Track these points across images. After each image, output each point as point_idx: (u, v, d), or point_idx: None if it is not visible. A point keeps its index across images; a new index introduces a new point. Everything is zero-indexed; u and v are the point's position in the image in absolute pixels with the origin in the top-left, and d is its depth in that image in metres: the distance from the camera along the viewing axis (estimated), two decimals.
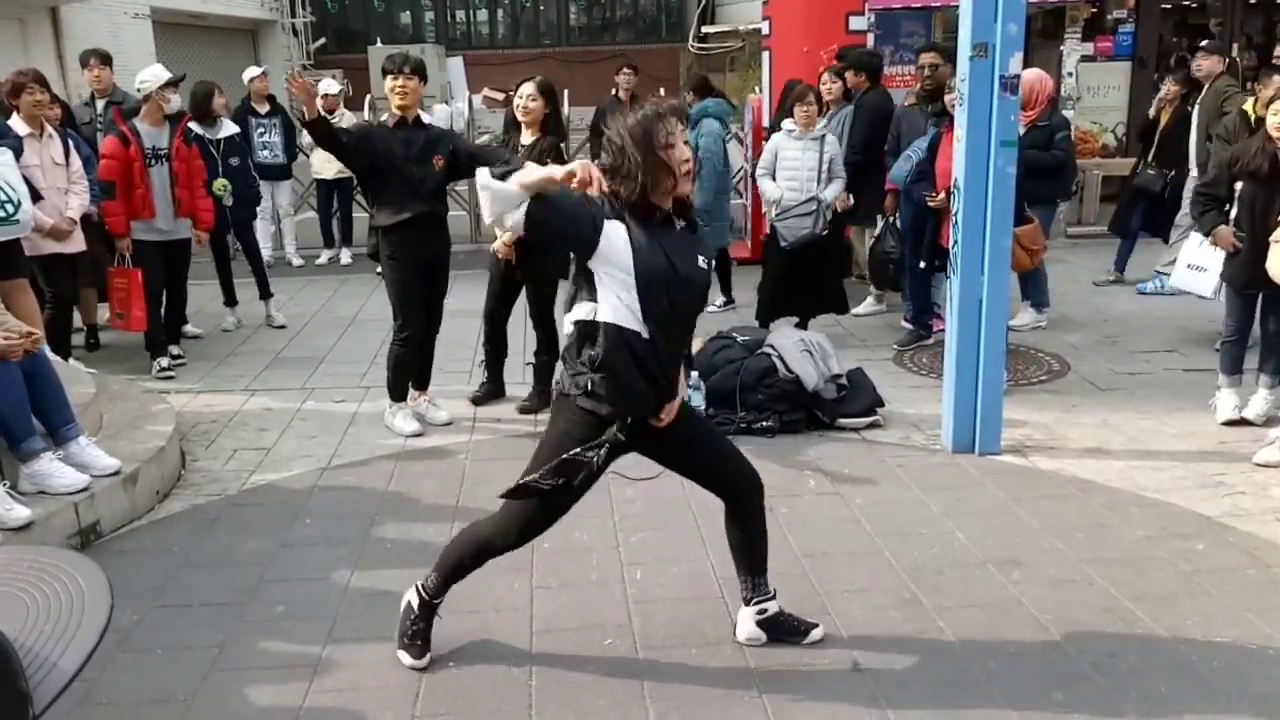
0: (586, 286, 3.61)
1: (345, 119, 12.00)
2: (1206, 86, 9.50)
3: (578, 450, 3.66)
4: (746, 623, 4.13)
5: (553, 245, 3.64)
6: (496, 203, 3.42)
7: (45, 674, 1.10)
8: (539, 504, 3.80)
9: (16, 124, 7.30)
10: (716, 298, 9.37)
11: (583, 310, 3.62)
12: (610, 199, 3.55)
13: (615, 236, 3.51)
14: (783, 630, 4.12)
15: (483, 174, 3.43)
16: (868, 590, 4.53)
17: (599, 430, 3.67)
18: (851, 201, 8.26)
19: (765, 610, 4.11)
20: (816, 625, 4.15)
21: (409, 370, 6.73)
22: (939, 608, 4.35)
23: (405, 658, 4.04)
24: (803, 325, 7.90)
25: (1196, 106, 9.52)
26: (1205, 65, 9.63)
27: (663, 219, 3.63)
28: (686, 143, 3.62)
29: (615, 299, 3.54)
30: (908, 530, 5.10)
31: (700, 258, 3.71)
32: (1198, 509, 5.30)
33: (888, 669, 3.93)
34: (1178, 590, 4.49)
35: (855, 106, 9.02)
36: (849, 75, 9.08)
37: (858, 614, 4.32)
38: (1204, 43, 10.53)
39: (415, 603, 4.07)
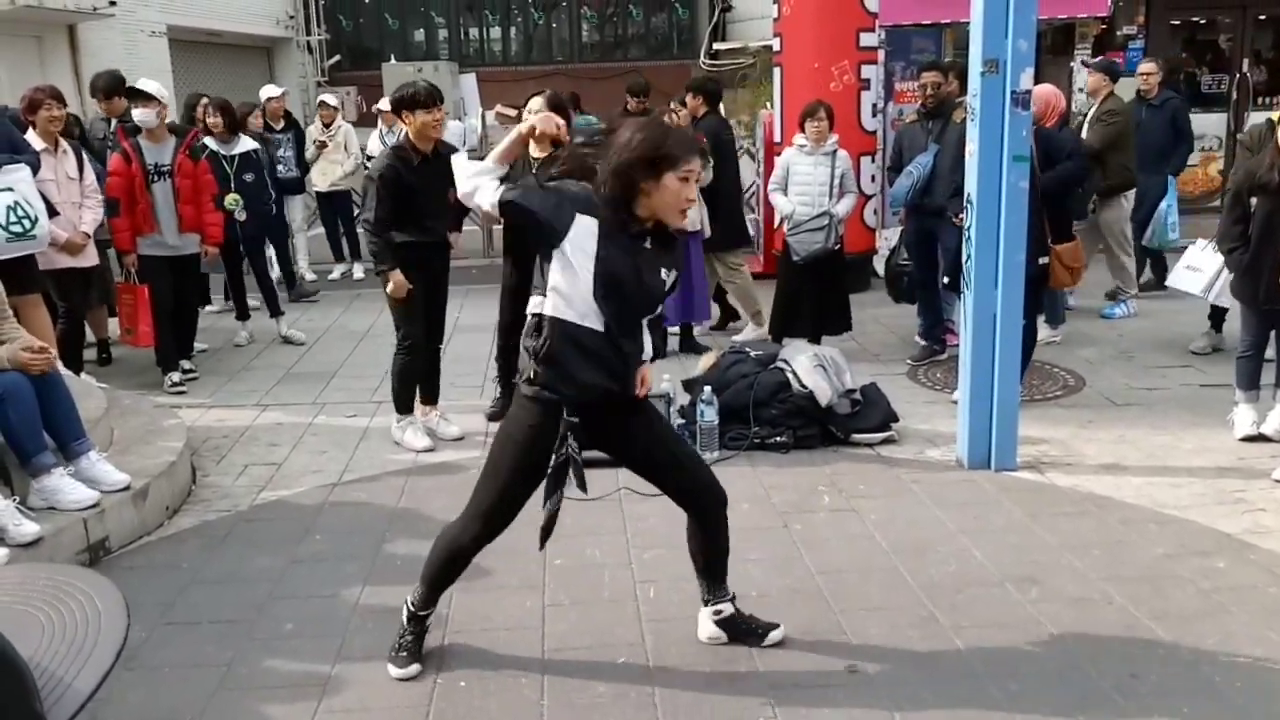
0: (541, 280, 3.71)
1: (343, 130, 12.08)
2: (1097, 104, 9.50)
3: (552, 460, 3.77)
4: (706, 624, 4.22)
5: (527, 227, 3.71)
6: (470, 177, 3.68)
7: (60, 695, 1.08)
8: (499, 496, 3.92)
9: (32, 139, 7.33)
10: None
11: (534, 303, 3.77)
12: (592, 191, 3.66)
13: (585, 227, 3.58)
14: (741, 631, 4.20)
15: (458, 158, 3.69)
16: (884, 608, 4.48)
17: (544, 417, 3.75)
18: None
19: (721, 612, 4.19)
20: (776, 626, 4.22)
21: (414, 380, 6.70)
22: (956, 626, 4.31)
23: (390, 668, 4.05)
24: (815, 340, 7.88)
25: (1085, 124, 9.54)
26: (1091, 82, 9.69)
27: (637, 232, 3.68)
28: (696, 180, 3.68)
29: (567, 291, 3.61)
30: (924, 547, 5.05)
31: (664, 270, 3.75)
32: (1217, 526, 5.25)
33: (905, 689, 3.88)
34: (1198, 609, 4.44)
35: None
36: (688, 99, 9.09)
37: (874, 633, 4.28)
38: (1091, 60, 10.59)
39: (404, 615, 4.13)
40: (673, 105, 9.01)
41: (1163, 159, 9.67)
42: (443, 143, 6.53)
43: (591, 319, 3.63)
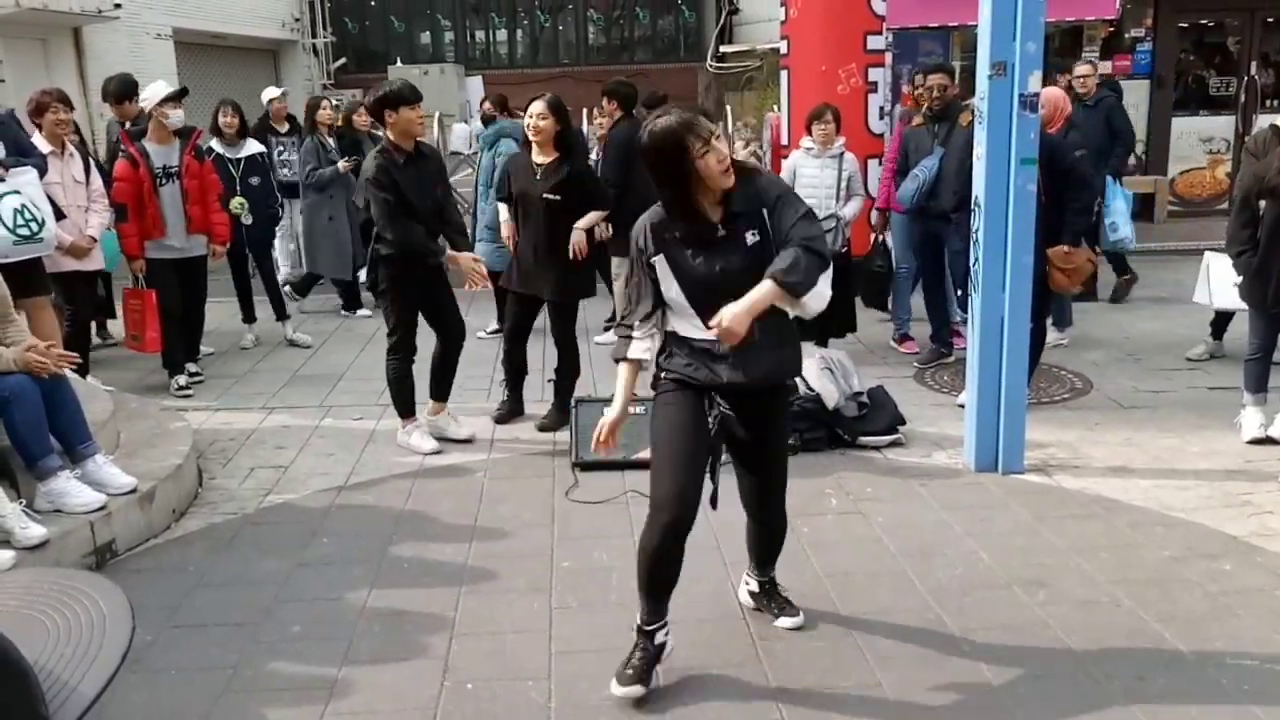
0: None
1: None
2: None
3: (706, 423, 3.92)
4: (742, 590, 4.60)
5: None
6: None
7: (65, 698, 1.07)
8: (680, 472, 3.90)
9: (39, 142, 7.33)
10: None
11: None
12: (645, 235, 3.88)
13: (660, 268, 3.84)
14: (763, 604, 4.46)
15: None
16: (891, 611, 4.48)
17: (692, 389, 3.92)
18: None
19: (750, 585, 4.53)
20: (794, 614, 4.39)
21: (410, 386, 6.69)
22: (964, 629, 4.30)
23: (613, 684, 3.91)
24: (822, 344, 7.87)
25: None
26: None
27: (704, 224, 3.79)
28: (718, 138, 3.73)
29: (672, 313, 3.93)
30: (931, 550, 5.05)
31: (748, 234, 3.78)
32: (1224, 529, 5.24)
33: (912, 692, 3.87)
34: (1206, 612, 4.42)
35: (609, 136, 9.09)
36: (604, 103, 9.16)
37: (882, 636, 4.27)
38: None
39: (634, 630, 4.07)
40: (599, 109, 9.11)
41: (1101, 160, 9.54)
42: (423, 143, 6.53)
43: (695, 325, 3.83)
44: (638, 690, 3.87)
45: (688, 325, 3.87)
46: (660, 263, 3.83)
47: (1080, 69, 10.23)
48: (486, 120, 10.46)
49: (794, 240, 3.69)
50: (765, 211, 3.78)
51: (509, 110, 9.97)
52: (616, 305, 7.95)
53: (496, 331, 9.40)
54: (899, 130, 8.85)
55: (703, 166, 3.64)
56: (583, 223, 6.80)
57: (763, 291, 3.61)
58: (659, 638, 4.00)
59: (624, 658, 3.97)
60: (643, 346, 3.93)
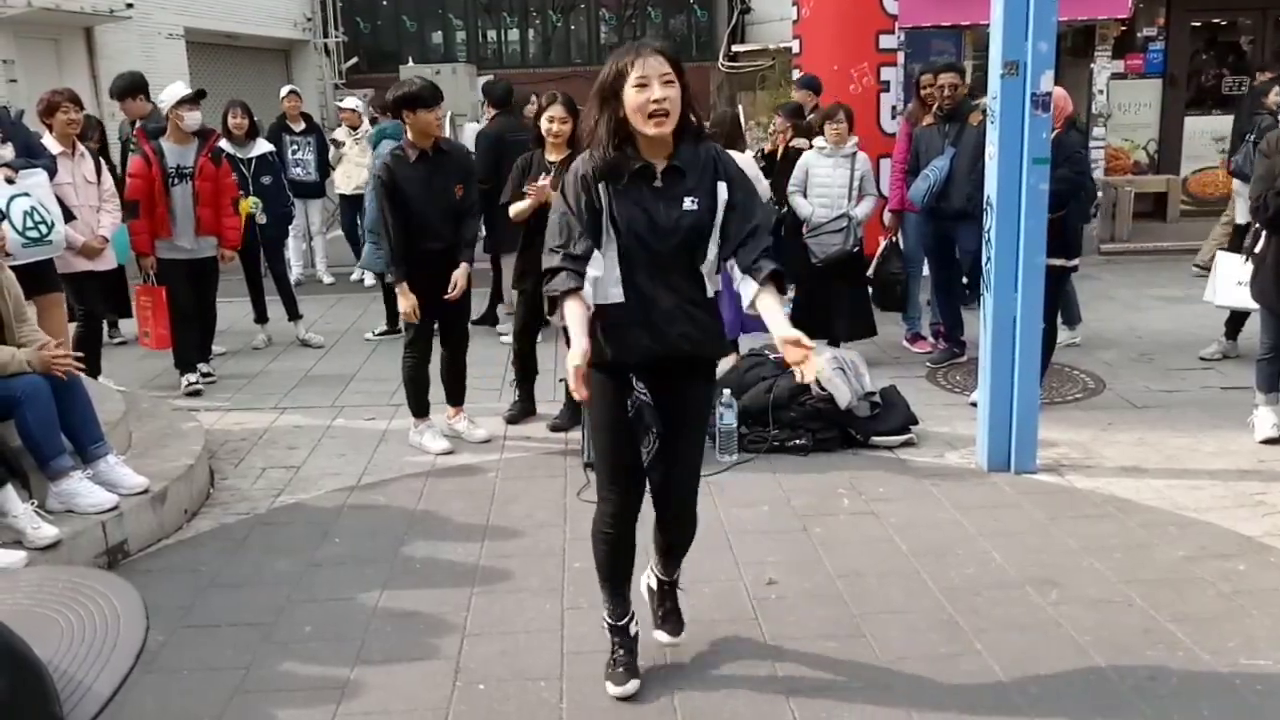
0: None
1: (369, 134, 12.08)
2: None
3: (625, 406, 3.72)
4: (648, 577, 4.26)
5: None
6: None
7: (80, 698, 1.07)
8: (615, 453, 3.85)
9: (49, 142, 7.35)
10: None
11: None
12: (589, 163, 3.64)
13: (603, 198, 3.60)
14: (653, 605, 4.21)
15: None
16: (904, 612, 4.47)
17: (612, 376, 3.70)
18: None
19: (648, 581, 4.24)
20: (674, 634, 4.16)
21: (425, 386, 6.69)
22: (976, 630, 4.29)
23: (608, 686, 3.93)
24: (836, 344, 7.86)
25: None
26: (800, 96, 9.71)
27: (641, 172, 3.59)
28: (670, 82, 3.49)
29: (599, 272, 3.61)
30: (943, 550, 5.03)
31: (687, 199, 3.60)
32: (1238, 529, 5.22)
33: (925, 691, 3.87)
34: (1219, 612, 4.41)
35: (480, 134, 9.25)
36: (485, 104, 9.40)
37: (894, 636, 4.26)
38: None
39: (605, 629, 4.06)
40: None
41: None
42: (444, 139, 6.51)
43: (619, 290, 3.63)
44: (633, 686, 3.89)
45: (606, 290, 3.65)
46: (604, 190, 3.60)
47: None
48: (374, 121, 10.62)
49: (759, 236, 3.66)
50: (723, 185, 3.64)
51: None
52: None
53: (385, 333, 9.57)
54: (905, 129, 8.81)
55: (629, 96, 3.48)
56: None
57: (777, 308, 3.60)
58: (632, 629, 4.04)
59: (608, 659, 3.98)
60: (591, 274, 3.60)
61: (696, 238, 3.63)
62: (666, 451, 3.79)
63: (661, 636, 4.16)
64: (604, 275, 3.61)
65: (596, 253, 3.59)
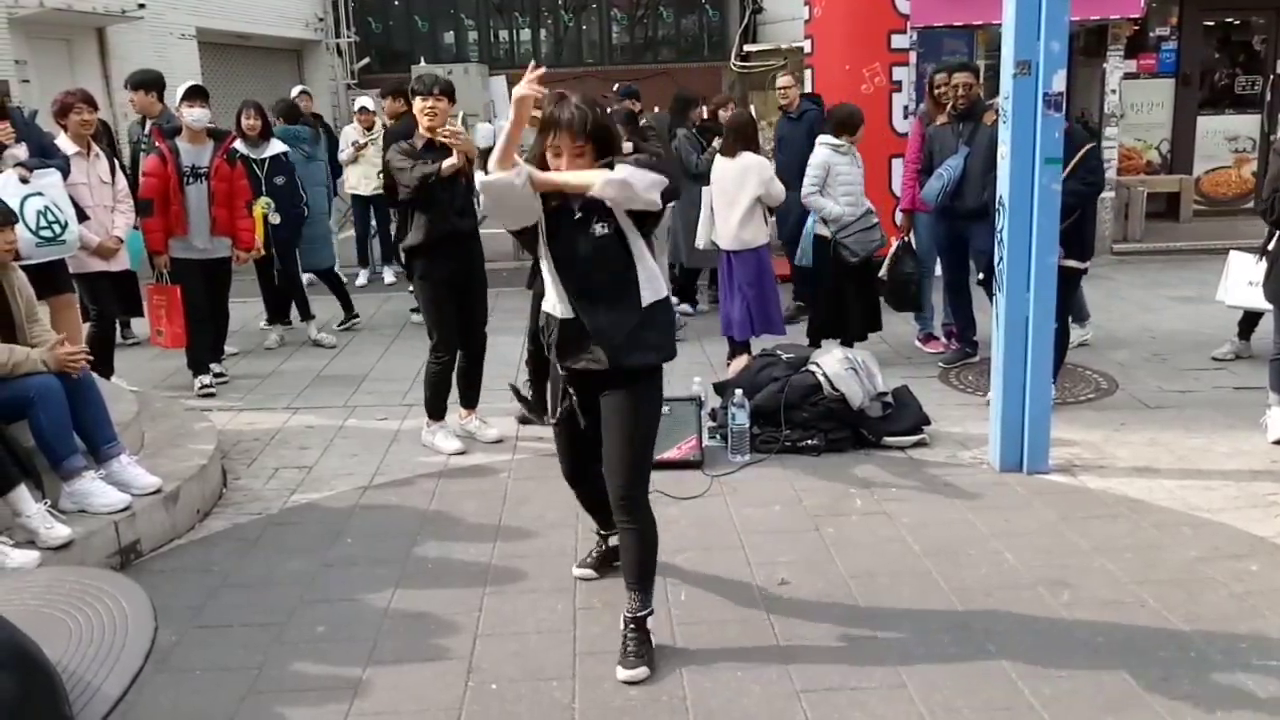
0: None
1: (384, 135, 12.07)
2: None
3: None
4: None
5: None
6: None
7: (89, 699, 1.07)
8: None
9: (64, 143, 7.37)
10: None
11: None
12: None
13: (542, 226, 4.03)
14: (624, 639, 4.13)
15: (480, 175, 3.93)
16: (916, 611, 4.46)
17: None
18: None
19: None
20: (638, 665, 4.05)
21: (446, 389, 6.69)
22: (988, 630, 4.28)
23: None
24: (847, 343, 7.84)
25: None
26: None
27: (562, 204, 3.96)
28: (580, 154, 3.91)
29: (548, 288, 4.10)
30: (955, 550, 5.02)
31: (596, 225, 3.93)
32: (1250, 529, 5.20)
33: (937, 691, 3.86)
34: (1231, 612, 4.39)
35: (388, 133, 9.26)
36: (387, 102, 9.93)
37: (906, 636, 4.25)
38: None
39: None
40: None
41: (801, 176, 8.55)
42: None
43: (564, 306, 4.04)
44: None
45: (553, 299, 4.08)
46: (542, 221, 3.98)
47: (781, 80, 10.10)
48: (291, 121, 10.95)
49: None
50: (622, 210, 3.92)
51: (300, 116, 10.82)
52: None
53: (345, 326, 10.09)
54: (917, 129, 8.79)
55: (547, 149, 3.92)
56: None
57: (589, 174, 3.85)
58: (611, 540, 4.66)
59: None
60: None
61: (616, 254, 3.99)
62: (607, 457, 4.16)
63: (621, 673, 4.01)
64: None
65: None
